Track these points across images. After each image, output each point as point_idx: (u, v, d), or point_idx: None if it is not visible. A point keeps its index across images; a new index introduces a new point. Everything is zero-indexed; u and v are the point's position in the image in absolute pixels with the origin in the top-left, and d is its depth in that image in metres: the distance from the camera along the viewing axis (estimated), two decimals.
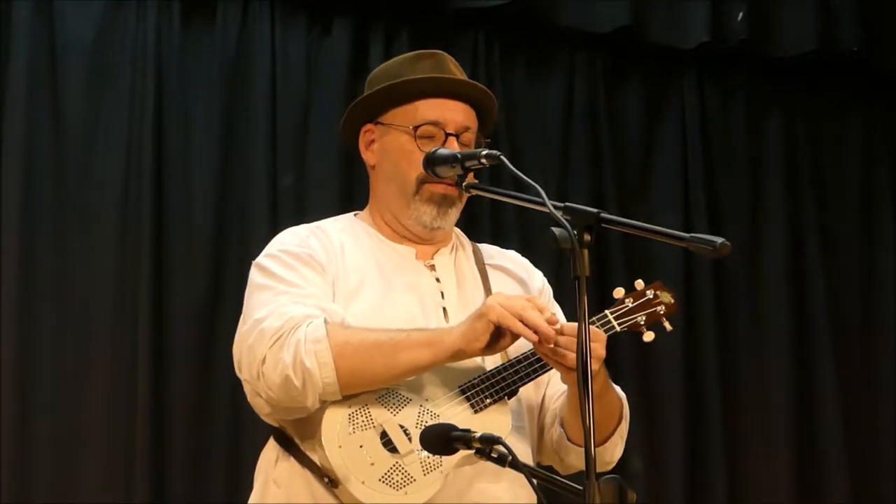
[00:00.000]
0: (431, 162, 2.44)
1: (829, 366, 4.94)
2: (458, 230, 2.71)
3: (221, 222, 4.22)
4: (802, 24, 4.93)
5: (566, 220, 2.10)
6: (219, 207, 4.23)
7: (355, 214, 2.68)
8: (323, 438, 2.32)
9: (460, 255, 2.66)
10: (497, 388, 2.42)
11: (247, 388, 2.44)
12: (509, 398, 2.43)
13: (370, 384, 2.38)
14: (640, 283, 2.60)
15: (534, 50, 4.81)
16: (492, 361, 2.46)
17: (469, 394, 2.40)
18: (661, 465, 4.66)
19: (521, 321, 2.30)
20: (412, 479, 2.31)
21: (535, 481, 2.11)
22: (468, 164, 2.40)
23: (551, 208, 2.13)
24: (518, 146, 4.66)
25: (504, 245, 2.84)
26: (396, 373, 2.37)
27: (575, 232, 2.08)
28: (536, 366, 2.43)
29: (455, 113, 2.56)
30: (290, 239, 2.55)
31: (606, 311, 2.55)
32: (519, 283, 2.66)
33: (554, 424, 2.59)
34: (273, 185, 4.28)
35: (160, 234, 4.13)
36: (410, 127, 2.54)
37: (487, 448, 2.16)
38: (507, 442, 2.17)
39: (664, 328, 2.59)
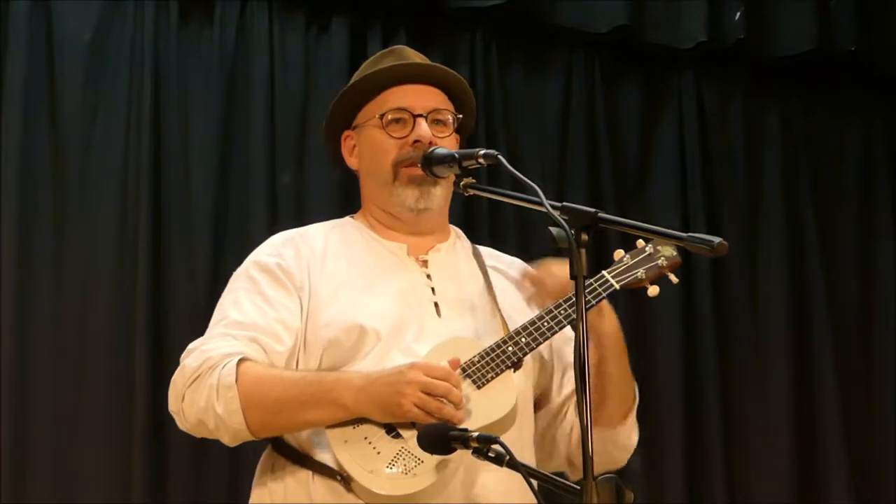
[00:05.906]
0: (429, 161, 2.45)
1: (829, 365, 4.93)
2: (457, 229, 2.70)
3: (220, 221, 4.22)
4: (800, 23, 4.93)
5: (564, 219, 2.10)
6: (217, 206, 4.23)
7: (352, 216, 2.68)
8: (328, 438, 2.34)
9: (458, 252, 2.64)
10: (498, 361, 2.40)
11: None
12: (515, 370, 2.42)
13: (281, 433, 2.43)
14: (640, 242, 2.56)
15: (531, 49, 4.81)
16: (492, 336, 2.45)
17: (470, 370, 2.39)
18: (659, 465, 4.65)
19: (436, 413, 2.28)
20: (420, 461, 2.31)
21: (533, 482, 2.11)
22: (465, 163, 2.39)
23: (549, 208, 2.13)
24: (516, 145, 4.66)
25: (502, 245, 2.83)
26: (302, 427, 2.40)
27: (572, 232, 2.07)
28: (536, 335, 2.41)
29: (418, 95, 2.57)
30: (266, 249, 2.59)
31: (603, 272, 2.51)
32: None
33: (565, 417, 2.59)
34: (271, 183, 4.28)
35: (158, 233, 4.13)
36: (377, 116, 2.56)
37: (485, 448, 2.16)
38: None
39: (669, 281, 2.53)
